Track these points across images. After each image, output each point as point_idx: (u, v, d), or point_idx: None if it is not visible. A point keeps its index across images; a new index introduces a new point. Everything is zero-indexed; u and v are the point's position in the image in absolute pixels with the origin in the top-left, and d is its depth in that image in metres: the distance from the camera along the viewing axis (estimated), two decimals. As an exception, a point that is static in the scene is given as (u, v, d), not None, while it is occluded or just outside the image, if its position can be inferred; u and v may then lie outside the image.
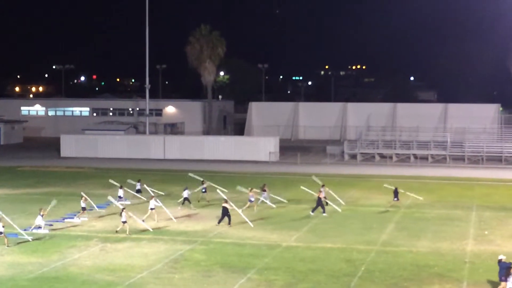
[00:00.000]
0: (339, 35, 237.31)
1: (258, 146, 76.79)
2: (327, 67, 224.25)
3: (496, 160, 73.45)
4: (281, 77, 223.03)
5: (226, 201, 40.41)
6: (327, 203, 44.39)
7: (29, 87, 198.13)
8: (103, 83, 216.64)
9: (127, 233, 37.50)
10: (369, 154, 77.09)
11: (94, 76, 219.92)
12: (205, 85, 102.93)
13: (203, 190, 47.65)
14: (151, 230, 38.63)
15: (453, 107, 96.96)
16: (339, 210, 44.47)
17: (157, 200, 42.44)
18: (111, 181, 50.76)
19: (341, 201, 46.01)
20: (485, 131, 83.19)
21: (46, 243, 35.50)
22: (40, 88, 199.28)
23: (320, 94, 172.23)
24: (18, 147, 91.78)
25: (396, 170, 67.00)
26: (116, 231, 37.71)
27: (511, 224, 41.19)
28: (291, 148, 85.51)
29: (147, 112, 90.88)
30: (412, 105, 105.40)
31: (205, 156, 76.23)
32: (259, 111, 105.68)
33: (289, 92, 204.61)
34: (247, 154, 75.93)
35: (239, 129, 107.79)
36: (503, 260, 26.57)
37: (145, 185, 48.92)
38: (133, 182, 49.59)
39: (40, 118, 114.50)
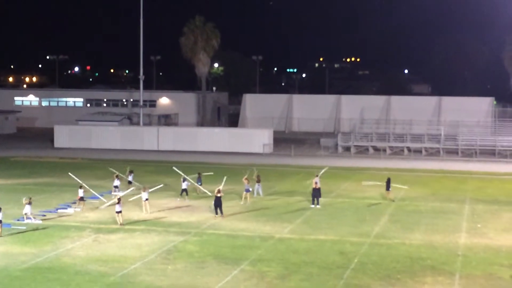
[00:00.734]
0: (333, 28, 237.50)
1: (252, 138, 76.74)
2: (321, 59, 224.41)
3: (490, 153, 73.56)
4: (275, 69, 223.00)
5: (219, 191, 40.37)
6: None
7: (23, 78, 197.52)
8: (97, 74, 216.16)
9: (120, 223, 37.45)
10: (363, 146, 77.14)
11: (88, 67, 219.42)
12: (199, 76, 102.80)
13: (199, 183, 47.60)
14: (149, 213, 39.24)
15: (447, 100, 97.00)
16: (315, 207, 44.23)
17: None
18: (111, 169, 50.63)
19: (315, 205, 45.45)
20: (478, 125, 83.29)
21: (39, 234, 35.44)
22: (34, 79, 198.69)
23: (314, 86, 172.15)
24: (12, 137, 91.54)
25: (390, 163, 67.06)
26: (122, 224, 37.60)
27: (504, 217, 41.30)
28: (285, 140, 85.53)
29: (141, 103, 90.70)
30: (406, 98, 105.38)
31: (199, 148, 76.14)
32: (253, 103, 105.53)
33: (283, 84, 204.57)
34: (241, 146, 75.88)
35: (233, 121, 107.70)
36: None
37: (129, 177, 48.46)
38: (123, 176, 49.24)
39: (34, 108, 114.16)
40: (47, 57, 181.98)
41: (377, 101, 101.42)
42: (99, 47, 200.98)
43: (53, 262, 30.37)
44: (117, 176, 47.18)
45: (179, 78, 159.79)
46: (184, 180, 45.79)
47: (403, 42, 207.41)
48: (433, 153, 74.64)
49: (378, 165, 65.02)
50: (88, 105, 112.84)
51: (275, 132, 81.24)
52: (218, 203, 39.96)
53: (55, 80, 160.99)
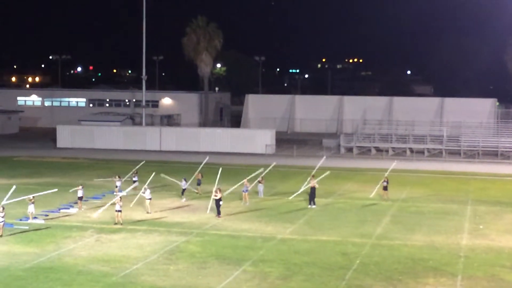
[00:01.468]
0: (336, 28, 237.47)
1: (254, 139, 76.80)
2: (324, 60, 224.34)
3: (492, 154, 73.55)
4: (277, 69, 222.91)
5: (219, 191, 40.33)
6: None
7: (25, 77, 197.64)
8: (99, 74, 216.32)
9: (120, 223, 37.48)
10: (365, 147, 77.16)
11: (91, 67, 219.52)
12: (201, 77, 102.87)
13: (198, 183, 47.75)
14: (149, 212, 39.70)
15: (450, 101, 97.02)
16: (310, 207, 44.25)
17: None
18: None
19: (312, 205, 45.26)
20: (481, 126, 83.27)
21: (41, 233, 35.48)
22: (37, 79, 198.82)
23: (316, 87, 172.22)
24: (14, 137, 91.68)
25: (392, 164, 66.92)
26: (120, 224, 37.59)
27: (506, 219, 41.29)
28: (287, 140, 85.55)
29: (144, 103, 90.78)
30: (408, 99, 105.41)
31: (201, 148, 76.17)
32: (256, 104, 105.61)
33: (285, 84, 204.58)
34: (244, 146, 75.95)
35: (236, 121, 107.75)
36: None
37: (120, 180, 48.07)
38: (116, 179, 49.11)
39: (37, 108, 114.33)
40: (50, 57, 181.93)
41: (379, 102, 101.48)
42: (101, 47, 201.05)
43: (55, 262, 30.40)
44: (119, 177, 47.10)
45: (181, 78, 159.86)
46: (184, 180, 45.97)
47: (406, 43, 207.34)
48: (435, 154, 74.63)
49: (381, 166, 64.94)
50: (91, 105, 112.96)
51: (277, 133, 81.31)
52: (217, 203, 39.99)
53: (57, 80, 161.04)
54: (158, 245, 33.45)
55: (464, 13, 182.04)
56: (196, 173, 48.62)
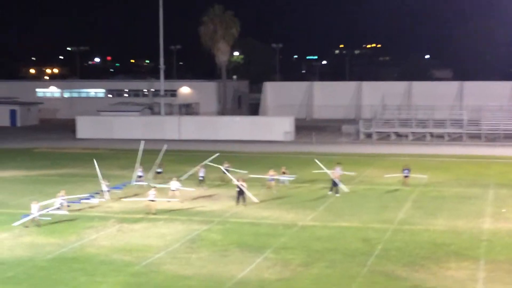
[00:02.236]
0: (353, 14, 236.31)
1: (273, 126, 76.75)
2: (342, 46, 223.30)
3: (513, 137, 73.05)
4: (295, 56, 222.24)
5: (241, 180, 40.28)
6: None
7: (44, 69, 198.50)
8: (117, 64, 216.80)
9: (153, 212, 37.50)
10: (385, 133, 76.89)
11: (109, 58, 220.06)
12: (219, 65, 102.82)
13: (224, 171, 47.53)
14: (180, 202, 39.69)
15: (469, 85, 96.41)
16: (346, 190, 44.13)
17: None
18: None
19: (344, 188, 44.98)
20: (501, 109, 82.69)
21: (64, 224, 35.67)
22: (55, 70, 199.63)
23: (334, 73, 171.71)
24: (34, 129, 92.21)
25: (412, 149, 66.79)
26: (153, 213, 37.56)
27: (528, 202, 41.01)
28: (306, 127, 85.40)
29: (162, 93, 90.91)
30: (427, 84, 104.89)
31: (220, 137, 76.22)
32: (274, 91, 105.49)
33: (303, 71, 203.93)
34: (263, 134, 75.89)
35: (254, 109, 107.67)
36: None
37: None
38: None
39: (56, 100, 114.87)
40: (68, 49, 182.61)
41: (398, 87, 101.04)
42: (119, 37, 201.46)
43: (78, 252, 30.57)
44: (140, 166, 47.10)
45: (199, 67, 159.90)
46: (203, 168, 45.94)
47: (424, 27, 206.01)
48: (455, 138, 74.25)
49: (401, 151, 64.77)
50: (109, 95, 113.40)
51: (296, 120, 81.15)
52: (241, 192, 39.99)
53: (76, 71, 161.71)
54: (180, 234, 33.53)
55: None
56: (198, 167, 47.78)
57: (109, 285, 25.98)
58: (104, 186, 42.17)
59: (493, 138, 73.02)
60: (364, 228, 34.65)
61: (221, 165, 47.57)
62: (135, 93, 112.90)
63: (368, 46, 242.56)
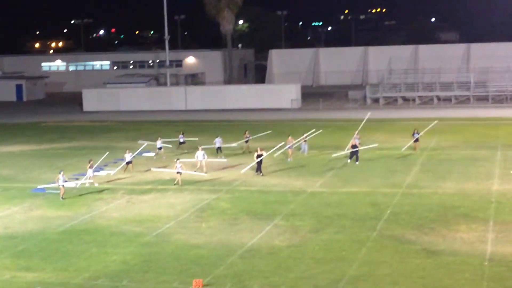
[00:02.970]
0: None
1: (280, 94, 76.61)
2: (346, 11, 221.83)
3: (521, 98, 72.76)
4: (300, 23, 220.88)
5: (260, 149, 40.07)
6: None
7: (48, 43, 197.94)
8: (122, 36, 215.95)
9: (179, 183, 37.41)
10: (392, 97, 76.68)
11: (113, 30, 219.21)
12: (224, 34, 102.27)
13: (246, 140, 47.37)
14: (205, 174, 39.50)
15: (476, 47, 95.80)
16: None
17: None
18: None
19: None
20: (509, 70, 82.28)
21: (73, 197, 35.80)
22: (60, 44, 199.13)
23: (340, 39, 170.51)
24: (41, 103, 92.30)
25: (419, 113, 66.65)
26: (179, 184, 37.48)
27: (537, 163, 40.95)
28: (313, 94, 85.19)
29: (168, 63, 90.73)
30: (434, 47, 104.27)
31: (227, 106, 76.12)
32: (280, 59, 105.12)
33: (309, 38, 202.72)
34: (269, 102, 75.76)
35: (260, 77, 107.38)
36: None
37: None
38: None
39: (61, 73, 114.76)
40: (72, 22, 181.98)
41: (404, 51, 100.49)
42: (123, 9, 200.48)
43: (88, 224, 30.74)
44: (158, 138, 46.96)
45: (204, 36, 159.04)
46: (217, 137, 45.78)
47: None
48: (463, 101, 74.03)
49: (408, 115, 64.64)
50: (115, 67, 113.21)
51: (302, 87, 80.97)
52: (259, 162, 39.82)
53: (81, 44, 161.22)
54: (189, 204, 33.65)
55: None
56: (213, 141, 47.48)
57: (120, 256, 26.14)
58: (128, 156, 42.13)
59: (500, 99, 72.73)
60: (373, 192, 34.72)
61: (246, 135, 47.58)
62: (141, 64, 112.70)
63: (374, 10, 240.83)
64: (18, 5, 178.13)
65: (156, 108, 77.29)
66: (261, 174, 39.59)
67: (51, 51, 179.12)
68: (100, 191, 36.89)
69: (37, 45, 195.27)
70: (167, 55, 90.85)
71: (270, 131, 50.87)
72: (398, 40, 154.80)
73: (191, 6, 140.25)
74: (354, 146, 42.72)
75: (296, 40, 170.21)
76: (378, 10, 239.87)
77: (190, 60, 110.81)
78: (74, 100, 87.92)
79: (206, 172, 40.31)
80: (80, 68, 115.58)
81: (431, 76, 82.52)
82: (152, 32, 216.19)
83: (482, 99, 73.87)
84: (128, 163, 41.28)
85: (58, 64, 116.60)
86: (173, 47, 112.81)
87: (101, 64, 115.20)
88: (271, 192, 35.70)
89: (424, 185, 35.96)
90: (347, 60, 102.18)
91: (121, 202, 34.55)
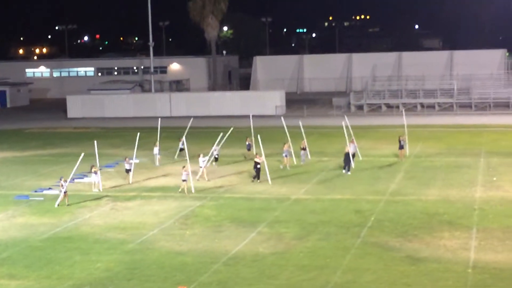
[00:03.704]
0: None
1: (264, 100, 76.70)
2: (331, 18, 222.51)
3: (504, 106, 73.22)
4: (284, 30, 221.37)
5: (258, 157, 40.00)
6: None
7: (33, 49, 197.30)
8: (106, 42, 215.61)
9: (184, 191, 37.18)
10: (376, 104, 76.94)
11: (97, 36, 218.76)
12: (208, 40, 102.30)
13: (248, 148, 47.15)
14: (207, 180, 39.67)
15: (459, 54, 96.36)
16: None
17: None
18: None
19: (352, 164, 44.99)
20: (491, 77, 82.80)
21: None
22: (44, 50, 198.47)
23: (324, 46, 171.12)
24: (25, 110, 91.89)
25: (403, 120, 66.74)
26: (184, 192, 37.14)
27: (519, 170, 41.19)
28: (297, 101, 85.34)
29: (152, 70, 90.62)
30: (417, 54, 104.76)
31: (212, 112, 76.14)
32: (264, 65, 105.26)
33: (293, 45, 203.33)
34: (254, 108, 75.52)
35: (245, 84, 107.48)
36: None
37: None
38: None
39: (45, 79, 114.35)
40: (56, 28, 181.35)
41: (388, 58, 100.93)
42: (107, 15, 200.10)
43: (72, 231, 30.64)
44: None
45: (188, 43, 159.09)
46: (216, 146, 45.14)
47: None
48: (446, 108, 74.38)
49: (392, 122, 64.83)
50: (99, 74, 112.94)
51: (287, 94, 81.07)
52: (258, 169, 39.67)
53: (65, 50, 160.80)
54: (173, 211, 33.63)
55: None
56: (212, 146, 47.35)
57: (104, 263, 26.08)
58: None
59: (483, 106, 73.15)
60: (357, 200, 34.82)
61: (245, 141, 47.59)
62: (125, 71, 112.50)
63: (358, 17, 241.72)
64: (2, 11, 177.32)
65: (141, 115, 77.15)
66: (258, 180, 39.48)
67: (35, 57, 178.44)
68: (84, 198, 36.74)
69: (21, 51, 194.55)
70: (152, 61, 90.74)
71: (232, 127, 49.89)
72: (382, 47, 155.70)
73: (175, 13, 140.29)
74: (347, 153, 42.01)
75: (281, 46, 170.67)
76: (362, 17, 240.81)
77: (175, 66, 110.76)
78: (58, 107, 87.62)
79: (208, 180, 40.16)
80: (64, 74, 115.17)
81: (414, 83, 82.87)
82: (136, 38, 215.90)
83: (465, 106, 74.26)
84: (127, 171, 40.97)
85: (42, 71, 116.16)
86: (157, 53, 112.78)
87: (86, 70, 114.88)
88: (255, 199, 35.73)
89: (408, 192, 36.10)
90: (331, 67, 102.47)
91: (105, 209, 34.47)
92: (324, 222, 30.75)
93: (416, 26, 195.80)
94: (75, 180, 41.30)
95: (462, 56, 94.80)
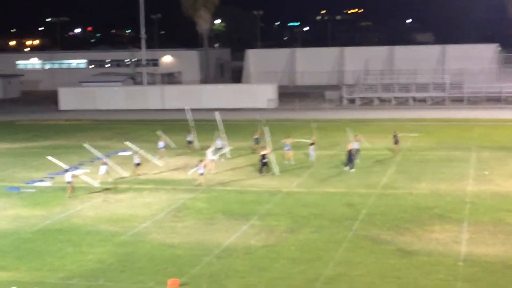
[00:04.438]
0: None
1: (256, 94, 76.60)
2: (323, 12, 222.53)
3: (495, 100, 73.33)
4: (277, 23, 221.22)
5: (263, 148, 39.93)
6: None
7: (24, 41, 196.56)
8: (98, 35, 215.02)
9: (201, 185, 36.87)
10: (368, 98, 76.98)
11: (89, 28, 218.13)
12: (200, 33, 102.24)
13: (256, 142, 46.99)
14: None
15: (451, 49, 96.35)
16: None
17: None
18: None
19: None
20: (483, 72, 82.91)
21: (48, 196, 35.61)
22: (36, 42, 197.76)
23: (317, 39, 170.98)
24: (16, 101, 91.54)
25: (395, 113, 66.94)
26: (200, 185, 36.88)
27: (510, 164, 41.32)
28: (289, 94, 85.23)
29: (144, 62, 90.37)
30: (409, 48, 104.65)
31: (204, 105, 75.83)
32: (256, 59, 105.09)
33: (285, 38, 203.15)
34: (246, 101, 75.73)
35: (237, 77, 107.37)
36: None
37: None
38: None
39: (37, 71, 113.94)
40: (48, 20, 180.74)
41: (380, 52, 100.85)
42: (99, 7, 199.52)
43: (64, 223, 30.59)
44: (160, 137, 46.32)
45: (180, 36, 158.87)
46: (217, 139, 44.92)
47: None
48: (438, 102, 74.47)
49: (384, 116, 64.95)
50: (91, 66, 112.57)
51: (279, 87, 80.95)
52: (264, 162, 39.62)
53: (57, 42, 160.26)
54: (165, 203, 33.61)
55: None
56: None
57: (95, 255, 26.05)
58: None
59: (475, 101, 73.27)
60: (349, 193, 34.86)
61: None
62: (117, 63, 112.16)
63: (350, 11, 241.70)
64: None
65: (133, 107, 76.98)
66: (271, 173, 39.35)
67: (27, 49, 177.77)
68: (76, 190, 36.59)
69: (12, 43, 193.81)
70: (144, 54, 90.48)
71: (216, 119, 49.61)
72: (374, 41, 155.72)
73: (167, 5, 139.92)
74: (349, 151, 41.23)
75: (273, 40, 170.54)
76: (355, 11, 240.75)
77: (167, 59, 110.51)
78: (49, 99, 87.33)
79: (214, 173, 40.00)
80: (56, 66, 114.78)
81: (407, 77, 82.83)
82: (128, 30, 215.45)
83: (457, 100, 74.35)
84: (137, 164, 40.70)
85: (33, 62, 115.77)
86: (149, 46, 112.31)
87: (77, 62, 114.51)
88: (247, 192, 35.74)
89: (399, 186, 36.17)
90: (323, 60, 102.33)
91: (97, 201, 34.42)
92: (316, 215, 30.79)
93: (409, 20, 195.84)
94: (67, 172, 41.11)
95: (454, 51, 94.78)
